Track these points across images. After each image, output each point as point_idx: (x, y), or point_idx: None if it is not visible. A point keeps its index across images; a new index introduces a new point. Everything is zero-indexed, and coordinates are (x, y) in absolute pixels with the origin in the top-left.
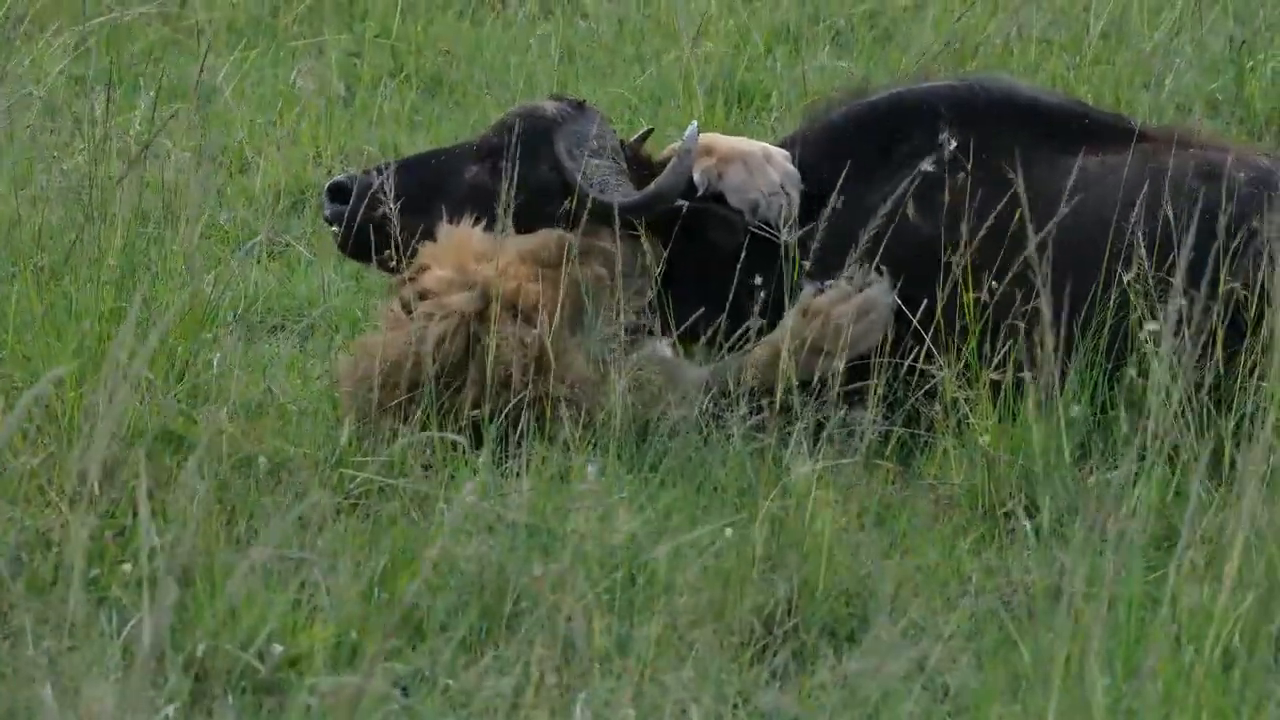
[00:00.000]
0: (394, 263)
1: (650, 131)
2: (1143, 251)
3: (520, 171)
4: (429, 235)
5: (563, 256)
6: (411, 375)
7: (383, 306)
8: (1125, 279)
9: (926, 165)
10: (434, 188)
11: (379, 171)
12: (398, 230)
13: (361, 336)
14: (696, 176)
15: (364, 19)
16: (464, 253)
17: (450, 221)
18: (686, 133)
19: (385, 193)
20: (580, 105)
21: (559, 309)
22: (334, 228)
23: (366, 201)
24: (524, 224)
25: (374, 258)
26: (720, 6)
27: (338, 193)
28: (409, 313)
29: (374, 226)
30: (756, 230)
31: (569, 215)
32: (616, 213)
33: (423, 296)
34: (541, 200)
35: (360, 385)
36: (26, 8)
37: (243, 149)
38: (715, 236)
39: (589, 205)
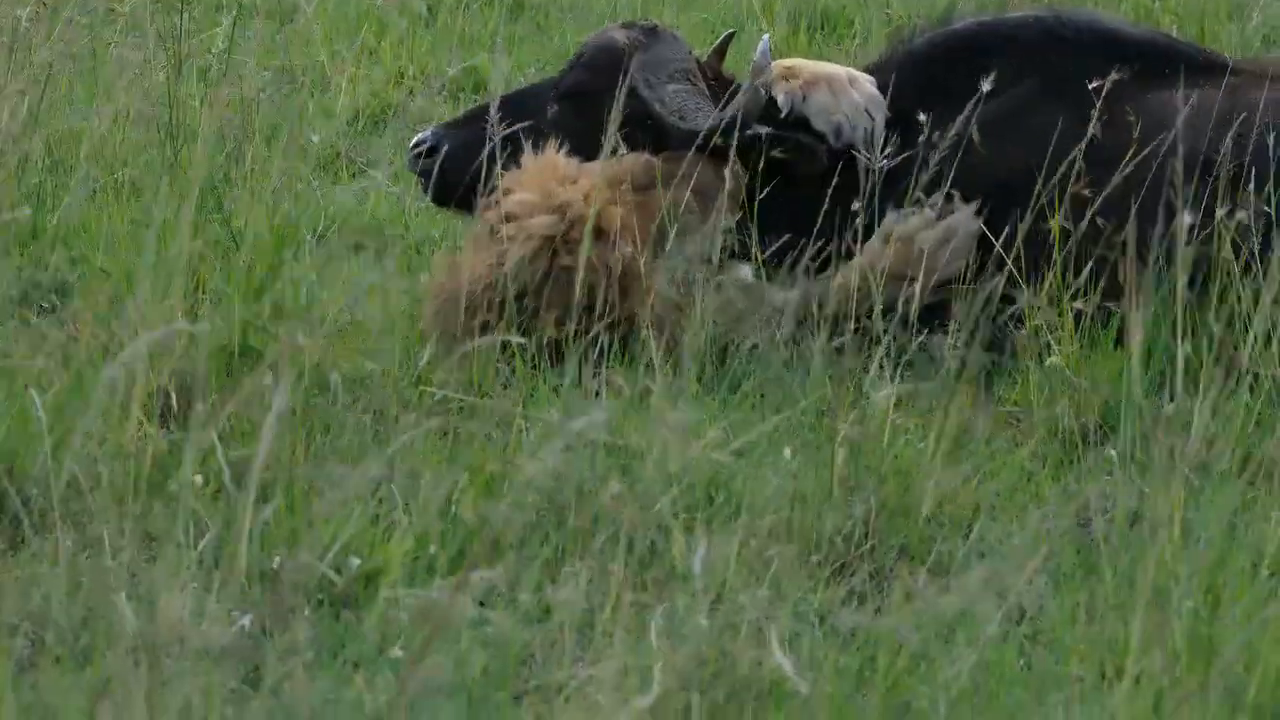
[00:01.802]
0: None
1: (731, 36)
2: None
3: (600, 105)
4: None
5: (648, 181)
6: (493, 297)
7: (468, 228)
8: (1218, 214)
9: (985, 85)
10: (517, 133)
11: (463, 123)
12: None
13: (447, 255)
14: (780, 98)
15: None
16: (548, 177)
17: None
18: (758, 49)
19: (492, 135)
20: (653, 30)
21: (643, 233)
22: (420, 179)
23: (453, 159)
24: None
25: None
26: None
27: (423, 149)
28: (493, 235)
29: (464, 180)
30: (853, 153)
31: (654, 143)
32: (699, 138)
33: (506, 219)
34: (626, 131)
35: (444, 305)
36: None
37: (324, 68)
38: (796, 164)
39: (671, 132)
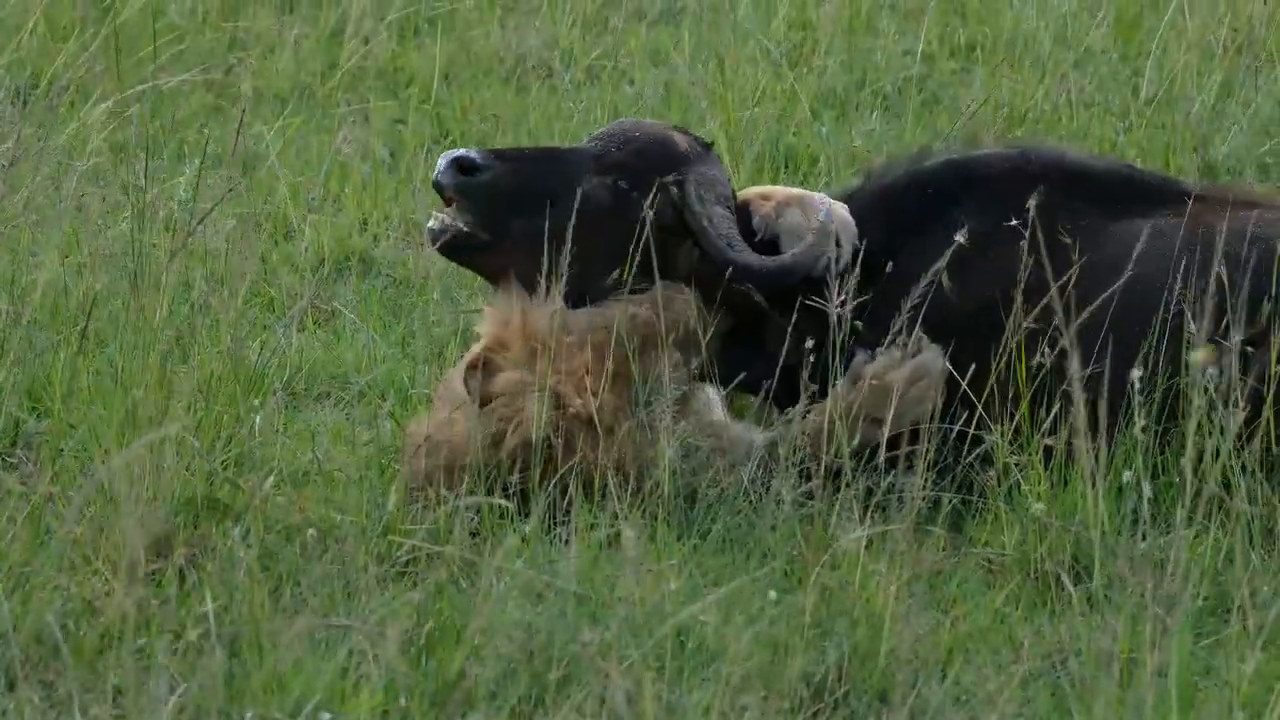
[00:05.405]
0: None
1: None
2: (1194, 314)
3: (639, 200)
4: (530, 238)
5: (638, 343)
6: (478, 471)
7: (441, 381)
8: (1183, 347)
9: (959, 238)
10: (545, 191)
11: (501, 159)
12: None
13: (428, 420)
14: (755, 221)
15: (408, 85)
16: (531, 340)
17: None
18: (823, 211)
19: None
20: (708, 146)
21: (623, 397)
22: (446, 196)
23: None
24: (619, 251)
25: (473, 260)
26: (767, 73)
27: (466, 166)
28: (478, 401)
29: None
30: (808, 302)
31: (669, 260)
32: (747, 275)
33: (494, 396)
34: (651, 234)
35: (425, 477)
36: (69, 77)
37: (287, 215)
38: (766, 336)
39: (711, 255)
